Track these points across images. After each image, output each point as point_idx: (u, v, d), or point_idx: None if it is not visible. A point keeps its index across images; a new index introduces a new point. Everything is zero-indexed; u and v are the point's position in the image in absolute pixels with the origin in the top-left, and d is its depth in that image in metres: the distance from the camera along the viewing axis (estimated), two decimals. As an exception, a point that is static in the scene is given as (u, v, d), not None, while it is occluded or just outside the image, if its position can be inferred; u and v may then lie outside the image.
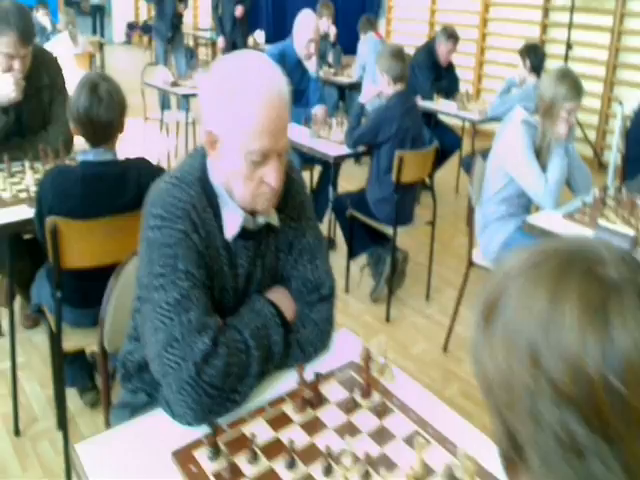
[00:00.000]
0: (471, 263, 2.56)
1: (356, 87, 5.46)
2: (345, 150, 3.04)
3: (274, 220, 1.25)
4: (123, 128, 1.80)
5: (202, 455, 1.02)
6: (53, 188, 1.72)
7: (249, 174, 1.12)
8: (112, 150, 1.80)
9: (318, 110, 3.57)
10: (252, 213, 1.20)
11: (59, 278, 1.77)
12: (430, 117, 4.43)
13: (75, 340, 1.88)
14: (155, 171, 1.85)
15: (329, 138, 3.24)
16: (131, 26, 14.08)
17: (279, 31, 9.51)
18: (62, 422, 2.01)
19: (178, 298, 1.09)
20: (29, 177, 2.25)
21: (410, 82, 4.68)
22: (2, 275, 2.75)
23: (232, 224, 1.19)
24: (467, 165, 4.21)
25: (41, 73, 2.49)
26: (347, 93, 5.87)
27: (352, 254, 3.21)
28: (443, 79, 4.59)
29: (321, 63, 5.23)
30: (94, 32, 13.94)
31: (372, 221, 3.02)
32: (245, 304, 1.24)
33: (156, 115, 5.02)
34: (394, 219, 2.87)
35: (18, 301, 2.91)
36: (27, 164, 2.33)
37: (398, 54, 2.92)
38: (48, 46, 3.94)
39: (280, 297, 1.27)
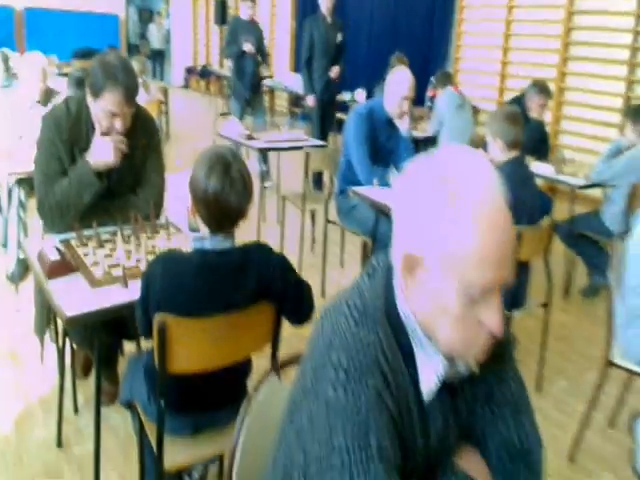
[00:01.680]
0: (610, 362, 2.20)
1: (431, 142, 5.23)
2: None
3: (473, 365, 0.97)
4: (248, 214, 1.56)
5: None
6: (164, 279, 1.48)
7: (462, 313, 0.85)
8: (232, 237, 1.56)
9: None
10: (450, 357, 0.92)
11: (163, 383, 1.51)
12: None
13: (174, 454, 1.59)
14: (276, 260, 1.60)
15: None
16: (189, 70, 14.39)
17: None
18: None
19: None
20: (121, 250, 2.05)
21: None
22: (81, 349, 2.55)
23: (430, 375, 0.91)
24: (564, 233, 3.87)
25: (138, 133, 2.33)
26: (422, 148, 5.64)
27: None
28: (530, 135, 4.30)
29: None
30: (154, 76, 14.31)
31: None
32: None
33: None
34: (509, 302, 2.55)
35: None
36: (119, 235, 2.13)
37: (513, 117, 2.65)
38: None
39: (476, 468, 0.97)
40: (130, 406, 1.81)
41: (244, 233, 1.69)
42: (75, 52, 9.50)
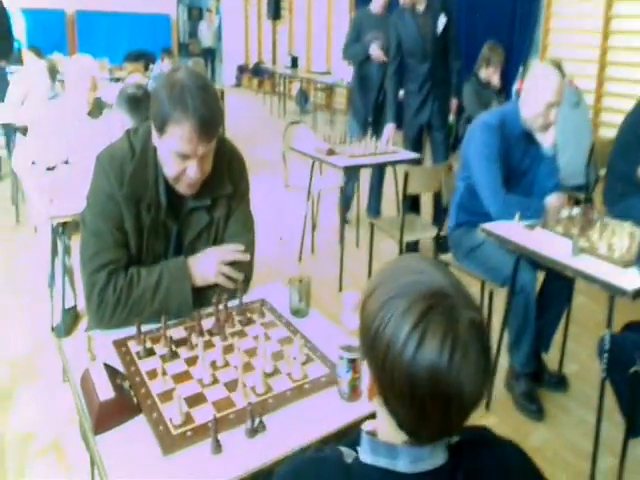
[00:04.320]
0: None
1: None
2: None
3: None
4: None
5: None
6: None
7: None
8: (444, 442, 0.78)
9: (554, 200, 2.53)
10: None
11: None
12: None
13: None
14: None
15: (595, 252, 2.17)
16: (241, 69, 13.83)
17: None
18: None
19: None
20: (203, 364, 1.35)
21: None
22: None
23: None
24: None
25: (223, 178, 1.65)
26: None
27: (636, 431, 2.11)
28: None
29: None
30: (205, 76, 13.79)
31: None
32: None
33: (300, 183, 4.17)
34: None
35: None
36: (201, 340, 1.44)
37: None
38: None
39: None
40: None
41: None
42: (127, 55, 9.01)
